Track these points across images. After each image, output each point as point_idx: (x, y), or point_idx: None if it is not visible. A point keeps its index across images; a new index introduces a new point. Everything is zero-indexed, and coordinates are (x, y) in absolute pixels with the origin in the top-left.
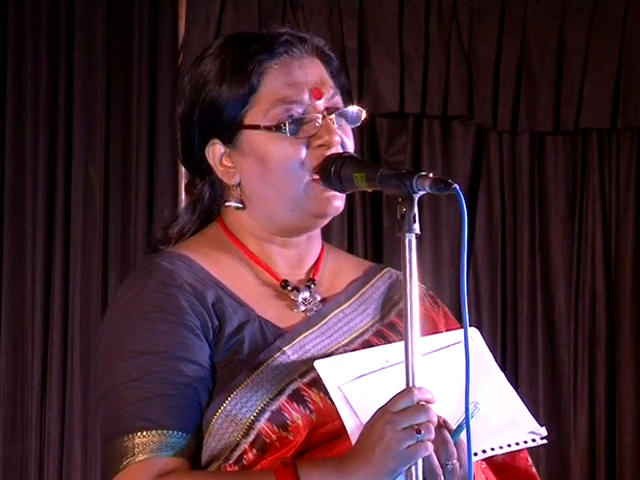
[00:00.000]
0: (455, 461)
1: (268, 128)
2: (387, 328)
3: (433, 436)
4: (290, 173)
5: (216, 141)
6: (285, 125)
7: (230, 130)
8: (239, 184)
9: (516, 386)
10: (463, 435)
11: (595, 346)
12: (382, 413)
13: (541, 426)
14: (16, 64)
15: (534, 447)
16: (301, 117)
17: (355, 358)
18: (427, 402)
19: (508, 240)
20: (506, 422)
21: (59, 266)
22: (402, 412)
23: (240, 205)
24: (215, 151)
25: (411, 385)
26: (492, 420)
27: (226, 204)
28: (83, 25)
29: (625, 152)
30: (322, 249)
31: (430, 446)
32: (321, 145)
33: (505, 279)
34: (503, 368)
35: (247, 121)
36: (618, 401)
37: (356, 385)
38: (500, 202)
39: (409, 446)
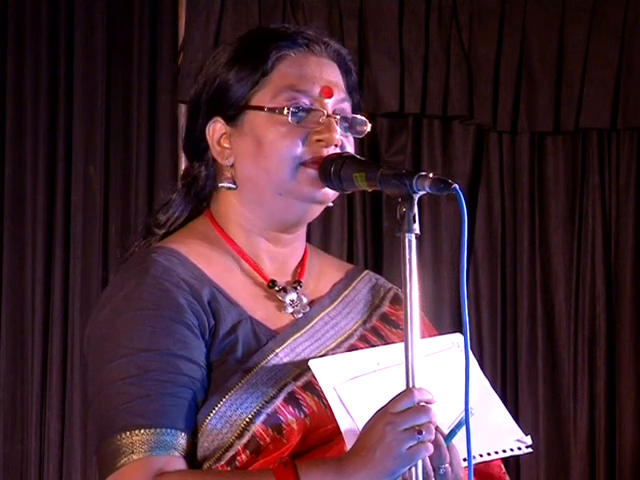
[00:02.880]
0: (447, 465)
1: (271, 110)
2: (370, 333)
3: (434, 437)
4: (283, 160)
5: (218, 119)
6: (289, 110)
7: (235, 109)
8: (232, 165)
9: (516, 386)
10: (455, 439)
11: (595, 346)
12: (382, 414)
13: (526, 435)
14: (16, 64)
15: (525, 454)
16: (306, 107)
17: (348, 359)
18: (427, 403)
19: (508, 240)
20: (494, 429)
21: (59, 266)
22: (403, 413)
23: (232, 186)
24: (216, 129)
25: (411, 386)
26: (481, 426)
27: (219, 185)
28: (83, 25)
29: (625, 152)
30: (305, 250)
31: (431, 447)
32: (319, 140)
33: (505, 279)
34: (503, 368)
35: (253, 102)
36: (618, 401)
37: (350, 386)
38: (500, 202)
39: (410, 447)
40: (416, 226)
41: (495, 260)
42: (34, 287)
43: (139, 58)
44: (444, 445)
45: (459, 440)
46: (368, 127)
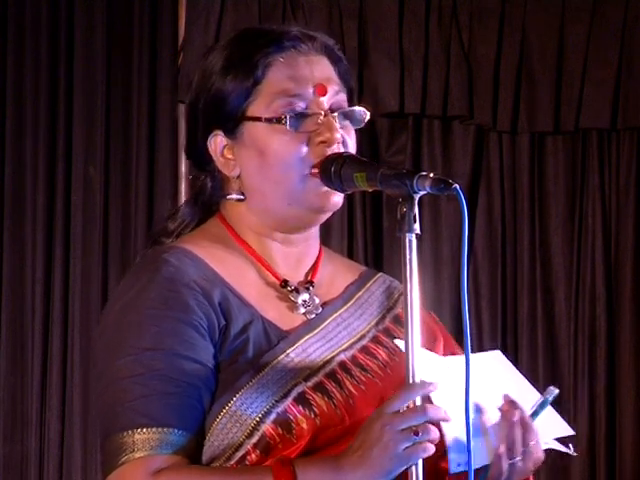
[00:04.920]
0: (534, 442)
1: (269, 120)
2: (383, 334)
3: (431, 437)
4: (289, 167)
5: (218, 132)
6: (286, 118)
7: (232, 121)
8: (239, 176)
9: None
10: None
11: (595, 346)
12: (380, 414)
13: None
14: (16, 64)
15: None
16: (303, 112)
17: (426, 355)
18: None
19: (508, 240)
20: (544, 424)
21: (59, 266)
22: (400, 413)
23: (241, 197)
24: (217, 142)
25: (410, 377)
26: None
27: (227, 197)
28: (83, 25)
29: (625, 152)
30: (319, 251)
31: (429, 447)
32: (322, 142)
33: (505, 279)
34: None
35: (249, 113)
36: (618, 401)
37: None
38: (500, 202)
39: (406, 448)
40: (416, 226)
41: (495, 260)
42: (34, 287)
43: (139, 58)
44: (532, 424)
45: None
46: (367, 115)
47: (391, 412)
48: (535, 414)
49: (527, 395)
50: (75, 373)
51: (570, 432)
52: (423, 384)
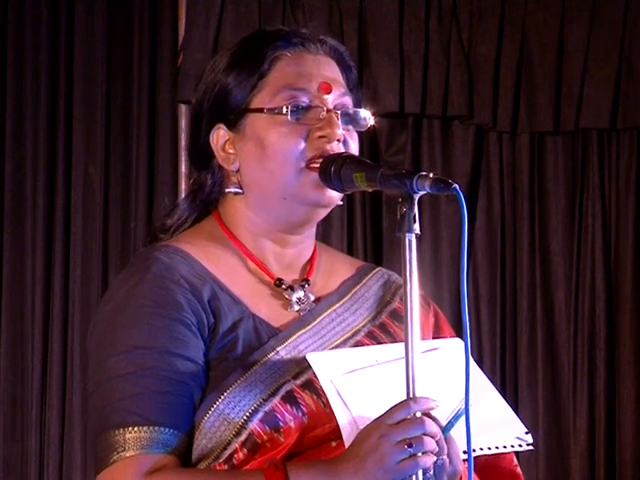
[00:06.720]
0: (445, 456)
1: (271, 110)
2: (378, 329)
3: (427, 449)
4: (286, 160)
5: (221, 126)
6: (288, 108)
7: (236, 114)
8: (238, 170)
9: (515, 387)
10: (453, 431)
11: (595, 346)
12: (378, 424)
13: (526, 433)
14: (16, 64)
15: (525, 451)
16: (305, 105)
17: (347, 354)
18: (426, 411)
19: (508, 240)
20: (493, 424)
21: (59, 266)
22: (397, 425)
23: (239, 190)
24: (219, 136)
25: (411, 387)
26: (479, 421)
27: (225, 190)
28: (83, 25)
29: (625, 152)
30: (314, 251)
31: (424, 461)
32: (322, 137)
33: (505, 279)
34: (502, 369)
35: (253, 105)
36: (618, 401)
37: (348, 379)
38: (500, 202)
39: (401, 460)
40: (416, 226)
41: (495, 260)
42: (34, 287)
43: (139, 58)
44: (442, 437)
45: (460, 431)
46: (371, 120)
47: (390, 423)
48: (450, 425)
49: (480, 387)
50: (75, 373)
51: (523, 428)
52: (427, 399)
